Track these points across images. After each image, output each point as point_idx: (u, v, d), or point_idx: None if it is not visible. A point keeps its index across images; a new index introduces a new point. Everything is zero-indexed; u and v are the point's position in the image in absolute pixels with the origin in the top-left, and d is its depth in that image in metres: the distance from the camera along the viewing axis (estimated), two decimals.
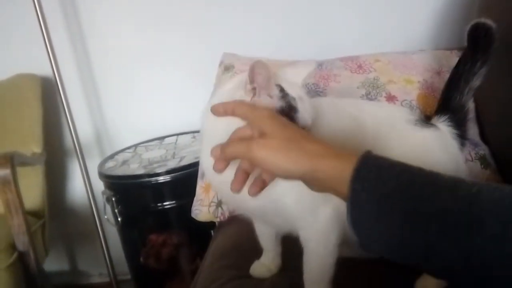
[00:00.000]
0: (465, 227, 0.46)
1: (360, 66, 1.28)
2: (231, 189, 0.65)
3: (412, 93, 1.19)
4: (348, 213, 0.53)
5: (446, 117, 0.92)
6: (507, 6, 1.13)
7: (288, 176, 0.60)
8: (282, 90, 0.72)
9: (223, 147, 0.63)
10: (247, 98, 0.72)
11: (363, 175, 0.53)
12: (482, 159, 1.10)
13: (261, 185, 0.65)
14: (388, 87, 1.20)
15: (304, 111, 0.72)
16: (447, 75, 1.18)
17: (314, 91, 1.24)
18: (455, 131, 0.91)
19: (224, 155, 0.62)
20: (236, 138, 0.65)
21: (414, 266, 0.53)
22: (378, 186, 0.51)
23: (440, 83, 1.19)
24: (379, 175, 0.52)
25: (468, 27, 0.93)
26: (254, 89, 0.71)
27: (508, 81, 1.08)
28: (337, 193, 0.57)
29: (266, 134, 0.61)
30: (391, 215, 0.50)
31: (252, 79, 0.70)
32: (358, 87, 1.22)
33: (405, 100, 1.18)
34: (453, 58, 1.24)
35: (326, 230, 0.81)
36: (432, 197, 0.49)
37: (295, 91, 0.73)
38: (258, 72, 0.69)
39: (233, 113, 0.67)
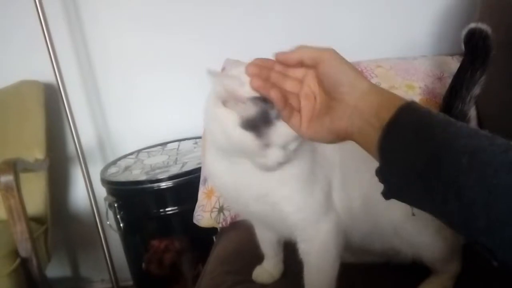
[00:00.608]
0: (494, 166, 0.46)
1: (361, 72, 1.28)
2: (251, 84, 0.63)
3: (414, 98, 1.18)
4: (378, 159, 0.56)
5: None
6: (508, 12, 1.13)
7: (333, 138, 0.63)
8: (263, 101, 0.65)
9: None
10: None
11: (397, 125, 0.54)
12: None
13: None
14: None
15: (285, 132, 0.66)
16: (448, 81, 1.19)
17: None
18: None
19: (268, 89, 0.62)
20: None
21: (434, 211, 0.53)
22: (411, 135, 0.53)
23: (442, 89, 1.19)
24: (416, 123, 0.53)
25: (464, 31, 0.93)
26: (225, 101, 0.68)
27: (510, 84, 1.08)
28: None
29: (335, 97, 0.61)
30: (421, 149, 0.51)
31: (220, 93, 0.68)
32: None
33: None
34: (454, 64, 1.24)
35: (327, 243, 0.81)
36: (465, 135, 0.50)
37: None
38: (215, 85, 0.68)
39: (301, 61, 0.65)
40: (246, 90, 0.64)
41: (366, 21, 1.59)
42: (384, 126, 0.54)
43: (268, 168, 0.70)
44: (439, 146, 0.50)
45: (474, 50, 0.93)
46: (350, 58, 1.36)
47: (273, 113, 0.65)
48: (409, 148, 0.53)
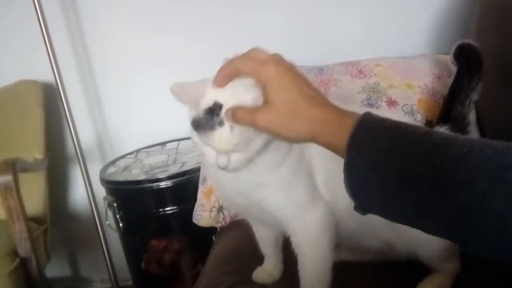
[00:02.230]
0: (454, 186, 0.47)
1: (360, 71, 1.28)
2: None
3: (413, 97, 1.19)
4: (344, 177, 0.55)
5: (447, 127, 0.95)
6: (507, 12, 1.13)
7: (292, 141, 0.64)
8: (216, 108, 0.68)
9: (234, 112, 0.64)
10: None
11: (359, 140, 0.54)
12: None
13: None
14: (388, 92, 1.20)
15: (221, 139, 0.69)
16: (447, 80, 1.20)
17: None
18: None
19: (233, 119, 0.64)
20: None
21: (409, 225, 0.55)
22: (372, 150, 0.53)
23: (441, 88, 1.19)
24: (374, 139, 0.53)
25: (453, 48, 1.00)
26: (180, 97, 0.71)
27: (509, 87, 1.08)
28: (339, 156, 0.57)
29: (268, 101, 0.61)
30: (385, 177, 0.52)
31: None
32: (358, 92, 1.22)
33: (405, 104, 1.18)
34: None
35: (316, 234, 0.81)
36: (424, 158, 0.50)
37: None
38: (178, 97, 0.71)
39: (238, 73, 0.65)
40: (209, 98, 0.69)
41: (365, 20, 1.59)
42: (347, 140, 0.54)
43: (221, 169, 0.73)
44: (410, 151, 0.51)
45: (467, 61, 0.98)
46: (350, 57, 1.38)
47: (216, 119, 0.68)
48: (379, 160, 0.52)
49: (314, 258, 0.82)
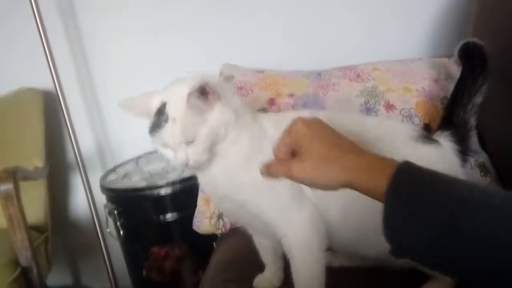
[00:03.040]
0: (494, 243, 0.47)
1: (358, 75, 1.28)
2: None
3: (411, 101, 1.19)
4: (383, 224, 0.55)
5: (448, 132, 0.93)
6: (504, 12, 1.13)
7: (328, 189, 0.62)
8: (162, 107, 0.79)
9: (268, 167, 0.67)
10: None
11: (398, 188, 0.54)
12: (481, 167, 1.10)
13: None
14: (386, 96, 1.21)
15: (168, 132, 0.77)
16: (445, 83, 1.20)
17: (314, 100, 1.24)
18: (457, 147, 0.91)
19: (269, 175, 0.67)
20: (277, 158, 0.67)
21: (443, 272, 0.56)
22: (411, 199, 0.53)
23: (438, 91, 1.20)
24: (413, 188, 0.54)
25: (458, 46, 0.97)
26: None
27: (507, 89, 1.08)
28: (377, 200, 0.58)
29: (302, 154, 0.63)
30: (423, 226, 0.52)
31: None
32: (357, 96, 1.22)
33: (403, 108, 1.18)
34: (451, 66, 1.24)
35: (305, 236, 0.82)
36: (464, 211, 0.50)
37: (173, 110, 0.78)
38: (127, 110, 0.84)
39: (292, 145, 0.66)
40: (155, 102, 0.81)
41: (364, 24, 1.60)
42: (387, 188, 0.54)
43: (184, 167, 0.80)
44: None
45: (471, 61, 0.95)
46: (348, 61, 1.38)
47: (162, 118, 0.78)
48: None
49: (305, 260, 0.82)
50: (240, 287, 0.97)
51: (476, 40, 0.97)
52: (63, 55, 1.75)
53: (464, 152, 0.92)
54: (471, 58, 0.96)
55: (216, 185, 0.86)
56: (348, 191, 0.79)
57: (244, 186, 0.82)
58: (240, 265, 1.04)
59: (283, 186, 0.80)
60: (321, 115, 1.07)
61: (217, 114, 0.80)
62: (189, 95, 0.76)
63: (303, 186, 0.80)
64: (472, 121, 0.96)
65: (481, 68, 0.94)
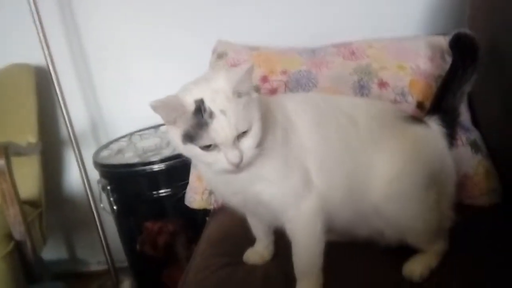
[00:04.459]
0: None
1: (353, 53, 1.27)
2: None
3: (405, 79, 1.19)
4: None
5: (437, 116, 0.96)
6: None
7: None
8: (200, 104, 0.72)
9: None
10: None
11: None
12: (473, 144, 1.10)
13: None
14: (380, 74, 1.20)
15: (220, 127, 0.71)
16: (440, 61, 1.19)
17: (307, 77, 1.24)
18: (445, 130, 0.94)
19: None
20: None
21: None
22: None
23: (433, 69, 1.19)
24: None
25: (449, 37, 1.00)
26: (168, 117, 0.75)
27: (501, 70, 1.08)
28: None
29: None
30: None
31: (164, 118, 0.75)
32: (350, 74, 1.21)
33: (397, 86, 1.18)
34: (446, 44, 1.23)
35: (311, 221, 0.83)
36: None
37: (218, 104, 0.72)
38: (160, 112, 0.74)
39: None
40: (188, 102, 0.73)
41: (360, 2, 1.57)
42: None
43: (230, 171, 0.75)
44: None
45: (462, 51, 0.98)
46: (344, 38, 1.36)
47: (206, 114, 0.72)
48: None
49: (308, 243, 0.84)
50: (231, 261, 0.99)
51: (467, 31, 0.99)
52: (56, 30, 1.72)
53: (451, 135, 0.95)
54: (462, 50, 0.98)
55: (232, 181, 0.82)
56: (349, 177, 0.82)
57: (261, 177, 0.81)
58: (231, 240, 1.05)
59: (296, 173, 0.82)
60: (316, 95, 1.09)
61: (256, 103, 0.76)
62: (238, 82, 0.73)
63: (311, 172, 0.83)
64: (461, 107, 0.99)
65: (472, 60, 0.97)
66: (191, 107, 0.72)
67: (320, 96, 1.03)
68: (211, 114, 0.71)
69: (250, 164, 0.76)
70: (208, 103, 0.72)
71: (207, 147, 0.73)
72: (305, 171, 0.83)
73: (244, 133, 0.74)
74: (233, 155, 0.72)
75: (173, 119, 0.74)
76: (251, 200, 0.84)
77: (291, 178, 0.82)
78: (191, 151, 0.75)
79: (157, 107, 0.72)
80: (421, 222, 0.87)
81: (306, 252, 0.85)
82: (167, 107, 0.73)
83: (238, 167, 0.74)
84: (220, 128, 0.71)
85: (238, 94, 0.74)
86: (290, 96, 1.11)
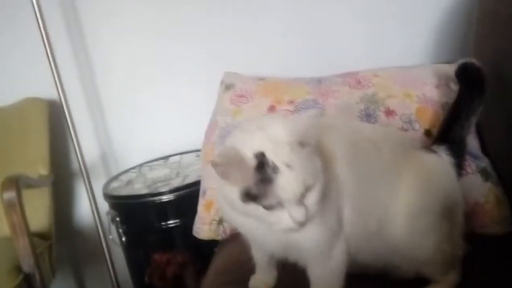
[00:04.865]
0: None
1: (359, 82, 1.28)
2: None
3: (411, 107, 1.19)
4: None
5: (445, 146, 0.95)
6: (506, 23, 1.13)
7: None
8: (262, 158, 0.65)
9: None
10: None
11: None
12: (482, 172, 1.09)
13: None
14: (387, 102, 1.20)
15: (286, 184, 0.64)
16: (445, 89, 1.20)
17: (313, 107, 1.24)
18: (453, 160, 0.93)
19: None
20: None
21: None
22: None
23: (439, 97, 1.19)
24: None
25: (456, 66, 1.00)
26: (224, 172, 0.67)
27: (509, 94, 1.08)
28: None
29: None
30: None
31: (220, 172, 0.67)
32: (357, 103, 1.22)
33: (404, 114, 1.18)
34: (452, 71, 1.24)
35: (338, 266, 0.80)
36: None
37: (282, 157, 0.65)
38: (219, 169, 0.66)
39: None
40: (248, 156, 0.65)
41: (366, 30, 1.60)
42: None
43: (291, 230, 0.68)
44: None
45: (469, 82, 0.98)
46: (350, 68, 1.38)
47: (269, 169, 0.64)
48: None
49: (330, 286, 0.81)
50: None
51: (474, 61, 0.99)
52: (67, 63, 1.76)
53: (459, 165, 0.95)
54: (469, 79, 0.99)
55: (263, 232, 0.75)
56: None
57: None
58: (239, 269, 1.03)
59: (333, 215, 0.77)
60: (341, 121, 1.06)
61: (316, 155, 0.70)
62: (305, 131, 0.66)
63: (344, 211, 0.78)
64: (467, 138, 0.99)
65: (479, 90, 0.96)
66: (252, 161, 0.65)
67: (343, 122, 0.99)
68: (275, 169, 0.64)
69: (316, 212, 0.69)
70: (271, 156, 0.65)
71: (269, 206, 0.66)
72: (339, 210, 0.77)
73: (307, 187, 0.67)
74: (299, 214, 0.66)
75: (228, 175, 0.67)
76: (291, 246, 0.77)
77: (329, 219, 0.76)
78: (252, 210, 0.67)
79: (221, 164, 0.65)
80: (437, 254, 0.85)
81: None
82: (227, 162, 0.66)
83: (302, 225, 0.67)
84: (287, 184, 0.64)
85: (302, 145, 0.67)
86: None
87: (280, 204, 0.66)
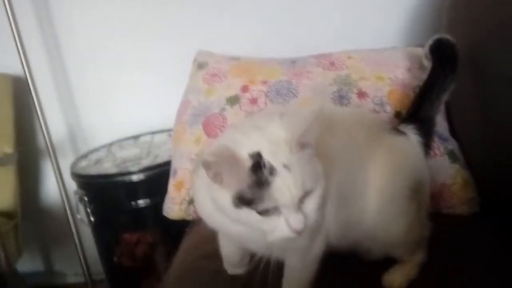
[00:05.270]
0: None
1: (332, 63, 1.28)
2: None
3: (383, 89, 1.20)
4: None
5: (413, 125, 0.95)
6: (478, 7, 1.14)
7: None
8: (258, 159, 0.61)
9: None
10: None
11: None
12: (450, 154, 1.11)
13: None
14: (359, 84, 1.21)
15: (284, 186, 0.59)
16: (418, 72, 1.21)
17: (287, 88, 1.24)
18: (421, 139, 0.94)
19: None
20: None
21: None
22: None
23: (411, 79, 1.21)
24: None
25: (430, 41, 1.00)
26: (216, 175, 0.62)
27: (479, 80, 1.10)
28: None
29: None
30: None
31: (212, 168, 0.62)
32: (330, 84, 1.22)
33: (376, 96, 1.18)
34: (424, 53, 1.25)
35: (317, 256, 0.79)
36: None
37: (279, 158, 0.61)
38: (211, 169, 0.61)
39: None
40: (243, 157, 0.61)
41: (340, 14, 1.60)
42: None
43: (287, 240, 0.63)
44: None
45: (442, 58, 0.98)
46: (324, 50, 1.38)
47: (266, 171, 0.60)
48: None
49: (307, 273, 0.80)
50: (211, 263, 0.95)
51: (449, 37, 0.98)
52: (34, 39, 1.70)
53: (427, 145, 0.95)
54: (443, 56, 0.98)
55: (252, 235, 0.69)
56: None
57: None
58: (210, 245, 1.01)
59: (321, 215, 0.71)
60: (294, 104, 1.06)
61: (315, 157, 0.66)
62: (304, 131, 0.61)
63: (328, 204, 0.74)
64: (436, 117, 0.99)
65: (451, 67, 0.97)
66: (247, 163, 0.60)
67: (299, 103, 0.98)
68: (272, 171, 0.60)
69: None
70: (267, 157, 0.61)
71: (264, 212, 0.61)
72: (325, 203, 0.72)
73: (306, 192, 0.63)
74: (297, 221, 0.61)
75: (220, 178, 0.62)
76: (278, 247, 0.71)
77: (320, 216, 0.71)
78: (245, 216, 0.62)
79: (211, 162, 0.60)
80: (406, 235, 0.86)
81: (303, 279, 0.81)
82: (220, 163, 0.60)
83: (301, 235, 0.62)
84: (285, 187, 0.59)
85: (302, 146, 0.63)
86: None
87: (276, 210, 0.61)
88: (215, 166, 0.61)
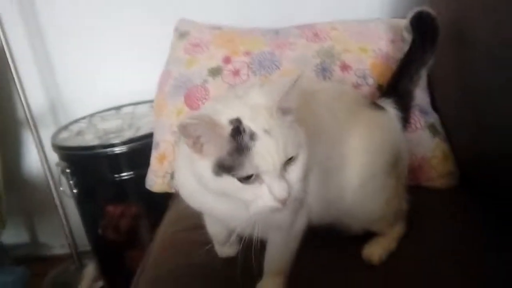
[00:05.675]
0: None
1: (316, 34, 1.26)
2: None
3: (366, 61, 1.19)
4: None
5: (392, 99, 0.95)
6: None
7: None
8: (237, 124, 0.60)
9: None
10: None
11: None
12: (431, 127, 1.12)
13: None
14: (343, 56, 1.20)
15: (265, 151, 0.59)
16: (401, 44, 1.20)
17: (270, 59, 1.22)
18: (399, 113, 0.94)
19: None
20: None
21: None
22: None
23: (394, 52, 1.20)
24: None
25: (411, 14, 0.99)
26: (195, 143, 0.61)
27: (463, 53, 1.09)
28: None
29: None
30: None
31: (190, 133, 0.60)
32: (313, 56, 1.21)
33: (359, 69, 1.18)
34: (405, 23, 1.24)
35: (300, 231, 0.79)
36: None
37: (260, 123, 0.60)
38: (188, 134, 0.60)
39: None
40: (222, 124, 0.60)
41: None
42: None
43: (274, 210, 0.62)
44: None
45: (423, 32, 0.97)
46: (308, 20, 1.35)
47: (246, 136, 0.59)
48: None
49: (290, 248, 0.81)
50: (192, 235, 0.96)
51: (430, 10, 0.98)
52: (10, 8, 1.64)
53: (405, 119, 0.96)
54: (422, 29, 0.98)
55: (234, 208, 0.69)
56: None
57: None
58: (193, 218, 1.02)
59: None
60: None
61: (297, 124, 0.65)
62: (284, 96, 0.61)
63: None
64: (415, 91, 0.99)
65: (431, 41, 0.96)
66: (227, 129, 0.59)
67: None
68: (253, 136, 0.59)
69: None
70: (247, 122, 0.60)
71: (246, 179, 0.60)
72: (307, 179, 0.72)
73: (289, 160, 0.62)
74: (281, 189, 0.59)
75: (200, 146, 0.61)
76: (262, 223, 0.69)
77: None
78: (226, 184, 0.60)
79: (188, 126, 0.59)
80: (385, 209, 0.87)
81: (286, 254, 0.81)
82: (198, 129, 0.59)
83: (285, 205, 0.61)
84: (266, 151, 0.58)
85: (283, 111, 0.62)
86: None
87: (258, 178, 0.60)
88: (193, 130, 0.60)
